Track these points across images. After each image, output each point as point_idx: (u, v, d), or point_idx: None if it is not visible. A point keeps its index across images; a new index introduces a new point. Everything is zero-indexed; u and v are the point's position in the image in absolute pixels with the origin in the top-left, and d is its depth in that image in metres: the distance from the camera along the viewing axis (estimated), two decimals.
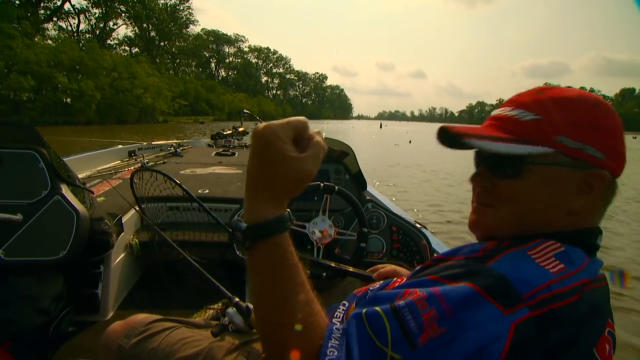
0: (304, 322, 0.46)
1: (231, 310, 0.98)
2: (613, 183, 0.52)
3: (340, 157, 1.83)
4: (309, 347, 0.46)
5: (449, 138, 0.51)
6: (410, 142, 25.36)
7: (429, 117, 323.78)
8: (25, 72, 28.39)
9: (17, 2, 43.87)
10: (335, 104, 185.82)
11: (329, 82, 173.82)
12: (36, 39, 35.76)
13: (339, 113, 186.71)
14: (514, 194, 0.53)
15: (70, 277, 1.63)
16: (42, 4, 51.07)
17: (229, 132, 5.82)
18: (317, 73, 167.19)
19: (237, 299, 1.03)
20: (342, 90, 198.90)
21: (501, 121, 0.55)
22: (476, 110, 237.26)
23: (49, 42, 36.92)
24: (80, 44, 40.65)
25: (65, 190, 1.50)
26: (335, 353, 0.44)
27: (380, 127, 67.79)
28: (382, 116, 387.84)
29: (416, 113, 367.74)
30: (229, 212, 2.26)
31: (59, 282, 1.58)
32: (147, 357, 0.79)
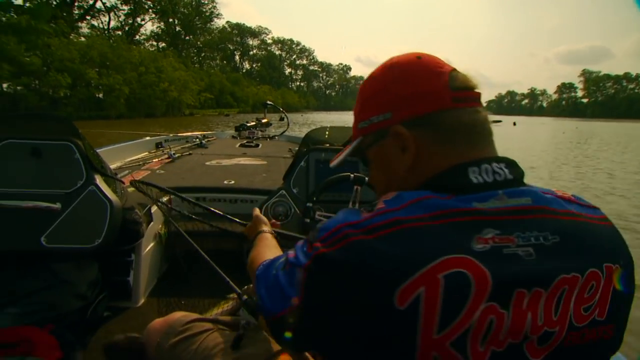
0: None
1: (242, 312, 1.02)
2: (433, 121, 0.51)
3: None
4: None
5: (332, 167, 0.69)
6: (514, 124, 24.86)
7: None
8: (62, 70, 29.70)
9: (54, 2, 46.09)
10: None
11: (352, 73, 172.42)
12: (71, 37, 37.28)
13: None
14: (371, 177, 0.62)
15: (103, 264, 1.70)
16: (76, 4, 53.13)
17: (253, 123, 5.87)
18: (341, 64, 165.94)
19: (245, 296, 1.04)
20: None
21: None
22: (506, 100, 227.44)
23: (82, 39, 38.35)
24: (111, 41, 41.94)
25: (99, 180, 1.56)
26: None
27: None
28: None
29: None
30: (254, 202, 2.28)
31: (94, 269, 1.66)
32: (184, 358, 0.81)
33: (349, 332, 0.40)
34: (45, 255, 1.51)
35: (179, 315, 0.93)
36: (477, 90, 0.53)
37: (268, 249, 0.83)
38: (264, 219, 1.05)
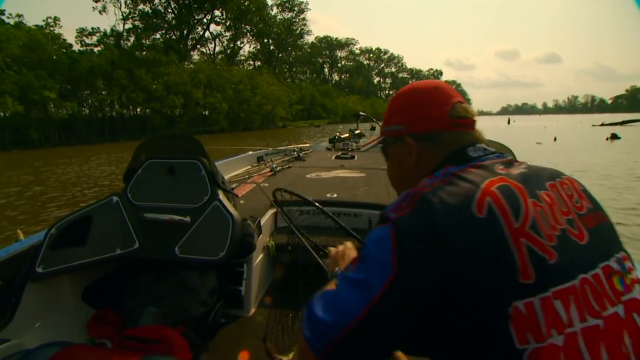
0: None
1: None
2: (432, 138, 0.67)
3: None
4: None
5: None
6: (555, 139, 21.53)
7: (568, 107, 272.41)
8: (176, 93, 34.25)
9: (174, 37, 53.81)
10: None
11: (443, 78, 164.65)
12: (184, 64, 42.78)
13: None
14: (388, 170, 0.79)
15: (219, 274, 1.81)
16: (190, 36, 60.78)
17: (346, 135, 5.93)
18: (432, 69, 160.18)
19: None
20: (459, 85, 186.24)
21: None
22: None
23: (191, 66, 43.62)
24: (217, 64, 46.77)
25: (221, 195, 1.65)
26: None
27: (508, 122, 59.37)
28: (506, 110, 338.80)
29: (550, 104, 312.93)
30: (358, 216, 2.27)
31: (213, 278, 1.78)
32: None
33: (450, 264, 0.44)
34: (177, 263, 1.67)
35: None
36: (473, 119, 0.69)
37: None
38: (348, 254, 0.96)
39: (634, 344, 0.45)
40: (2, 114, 24.66)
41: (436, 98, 0.69)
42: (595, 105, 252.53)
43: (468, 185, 0.50)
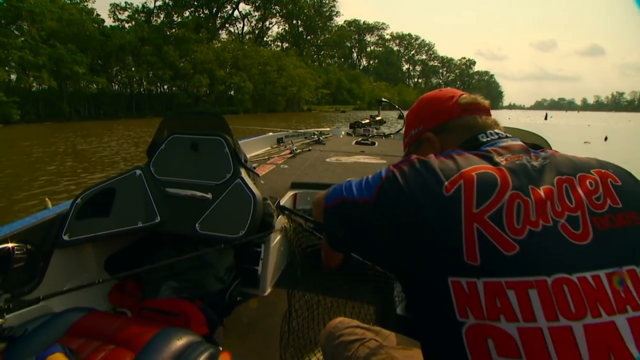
0: None
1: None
2: (447, 127, 0.72)
3: None
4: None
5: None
6: (606, 138, 19.30)
7: (611, 105, 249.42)
8: (203, 72, 34.60)
9: (202, 15, 54.03)
10: (483, 91, 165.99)
11: (476, 68, 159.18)
12: (212, 43, 43.03)
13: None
14: None
15: (237, 252, 1.81)
16: (219, 15, 60.90)
17: (367, 121, 5.83)
18: (464, 58, 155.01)
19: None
20: (491, 76, 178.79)
21: None
22: None
23: (219, 44, 43.81)
24: (245, 44, 46.79)
25: (244, 174, 1.63)
26: None
27: (546, 118, 55.79)
28: (540, 105, 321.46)
29: (590, 100, 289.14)
30: None
31: (230, 256, 1.79)
32: None
33: (407, 219, 0.52)
34: (197, 239, 1.68)
35: (337, 321, 0.98)
36: (484, 104, 0.73)
37: None
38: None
39: None
40: (37, 87, 25.62)
41: (443, 95, 0.77)
42: None
43: (453, 166, 0.54)
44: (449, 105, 0.73)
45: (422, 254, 0.51)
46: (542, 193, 0.51)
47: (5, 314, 0.93)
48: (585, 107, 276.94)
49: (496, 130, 0.66)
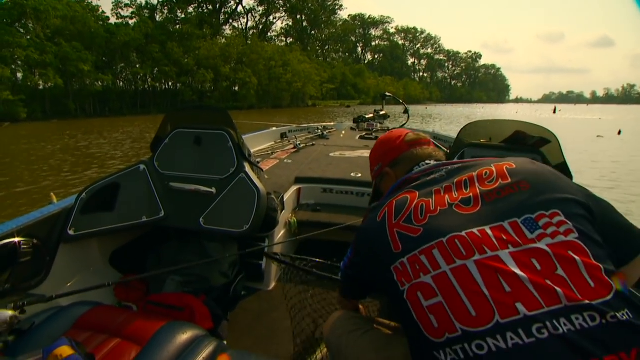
0: None
1: None
2: (399, 161, 0.92)
3: (538, 144, 1.54)
4: None
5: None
6: (620, 132, 18.50)
7: (622, 97, 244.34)
8: (207, 67, 34.57)
9: (206, 11, 53.98)
10: (489, 85, 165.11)
11: (482, 62, 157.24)
12: (216, 39, 42.97)
13: (493, 96, 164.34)
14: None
15: (241, 247, 1.80)
16: (222, 10, 60.80)
17: (371, 115, 5.80)
18: (470, 52, 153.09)
19: None
20: (498, 69, 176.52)
21: None
22: None
23: (223, 40, 43.71)
24: (247, 40, 46.66)
25: (248, 168, 1.63)
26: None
27: (554, 111, 54.40)
28: (548, 98, 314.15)
29: (600, 93, 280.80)
30: None
31: (235, 251, 1.78)
32: (346, 354, 0.89)
33: (364, 252, 0.78)
34: (201, 233, 1.68)
35: (339, 313, 1.02)
36: (424, 138, 0.95)
37: None
38: None
39: (488, 285, 0.57)
40: (43, 85, 25.77)
41: (393, 135, 0.99)
42: None
43: (384, 202, 0.77)
44: (398, 143, 0.95)
45: (377, 261, 0.72)
46: (442, 191, 0.72)
47: (13, 307, 0.94)
48: (595, 100, 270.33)
49: (427, 161, 0.87)
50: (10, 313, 0.91)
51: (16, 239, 1.32)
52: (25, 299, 0.99)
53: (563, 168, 1.66)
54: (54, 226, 1.51)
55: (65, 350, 0.80)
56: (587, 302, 0.53)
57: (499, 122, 1.81)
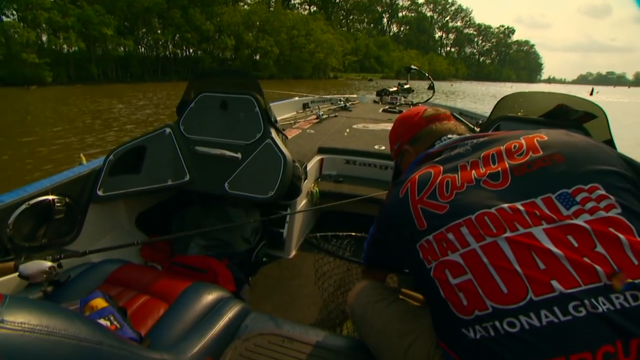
0: None
1: None
2: (418, 138, 0.92)
3: (582, 119, 1.43)
4: None
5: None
6: None
7: None
8: (229, 34, 34.16)
9: None
10: (520, 63, 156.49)
11: (515, 37, 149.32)
12: (240, 5, 42.14)
13: (523, 75, 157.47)
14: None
15: (263, 215, 1.81)
16: None
17: (395, 89, 5.63)
18: (502, 26, 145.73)
19: None
20: (532, 45, 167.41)
21: None
22: None
23: (246, 7, 42.83)
24: (270, 7, 45.59)
25: (274, 134, 1.61)
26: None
27: (591, 93, 50.31)
28: (584, 79, 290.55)
29: None
30: None
31: (257, 217, 1.79)
32: (371, 322, 0.89)
33: (388, 229, 0.78)
34: (226, 198, 1.70)
35: (364, 283, 1.02)
36: (443, 113, 0.94)
37: None
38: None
39: (520, 262, 0.55)
40: (67, 49, 26.04)
41: (411, 112, 0.99)
42: None
43: (406, 177, 0.75)
44: (416, 120, 0.95)
45: (401, 239, 0.71)
46: (468, 166, 0.70)
47: (52, 259, 0.99)
48: (638, 82, 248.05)
49: (449, 136, 0.86)
50: (49, 264, 0.96)
51: (50, 197, 1.36)
52: (61, 252, 1.03)
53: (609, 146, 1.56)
54: (85, 186, 1.55)
55: (100, 302, 0.84)
56: (630, 280, 0.50)
57: (540, 94, 1.71)
